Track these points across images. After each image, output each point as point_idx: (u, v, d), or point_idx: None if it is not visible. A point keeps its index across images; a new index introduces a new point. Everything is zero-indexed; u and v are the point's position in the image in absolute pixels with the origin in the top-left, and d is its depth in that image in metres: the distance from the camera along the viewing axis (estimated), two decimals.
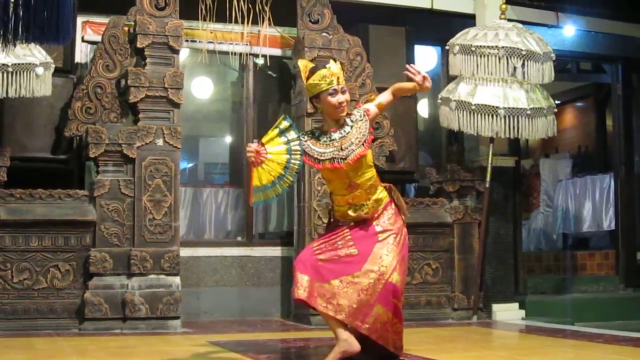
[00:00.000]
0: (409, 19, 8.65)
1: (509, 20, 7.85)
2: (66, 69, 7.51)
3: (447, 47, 7.79)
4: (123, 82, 7.12)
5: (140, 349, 5.68)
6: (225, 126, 10.79)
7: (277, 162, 4.62)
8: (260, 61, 8.22)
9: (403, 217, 4.88)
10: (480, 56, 7.44)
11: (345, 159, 4.62)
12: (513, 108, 7.46)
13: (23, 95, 6.69)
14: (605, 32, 9.40)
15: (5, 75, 6.58)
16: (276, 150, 4.64)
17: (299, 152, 4.66)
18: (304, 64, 4.81)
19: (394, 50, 8.49)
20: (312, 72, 4.69)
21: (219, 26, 7.87)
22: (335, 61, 4.84)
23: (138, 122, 7.06)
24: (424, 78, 4.71)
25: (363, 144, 4.66)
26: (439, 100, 7.78)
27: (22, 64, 6.62)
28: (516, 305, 8.10)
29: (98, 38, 7.44)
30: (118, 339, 6.27)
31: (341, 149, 4.64)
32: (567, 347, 5.95)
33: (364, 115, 4.75)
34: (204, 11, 7.70)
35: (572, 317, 8.24)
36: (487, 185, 7.78)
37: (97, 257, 6.78)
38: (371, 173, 4.76)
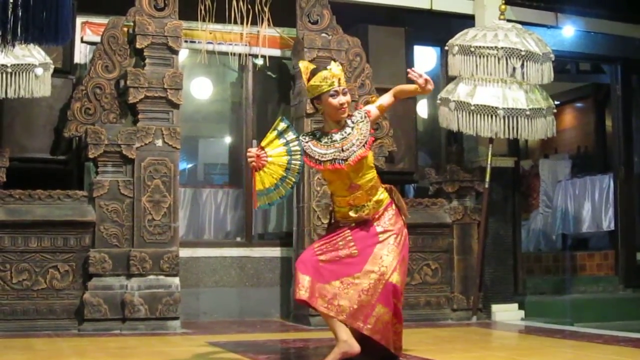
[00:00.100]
0: (408, 19, 8.65)
1: (508, 20, 7.86)
2: (65, 69, 7.51)
3: (446, 48, 7.79)
4: (122, 82, 7.12)
5: (139, 349, 5.68)
6: (225, 127, 10.78)
7: (278, 165, 4.65)
8: (259, 62, 8.22)
9: (403, 218, 4.88)
10: (480, 57, 7.44)
11: (347, 160, 4.63)
12: (512, 109, 7.47)
13: (22, 96, 6.69)
14: (604, 33, 9.40)
15: (4, 75, 6.58)
16: (276, 153, 4.66)
17: (298, 153, 4.68)
18: (304, 65, 4.82)
19: (393, 51, 8.50)
20: (313, 73, 4.70)
21: (218, 27, 7.87)
22: (336, 62, 4.85)
23: (137, 123, 7.06)
24: (426, 81, 4.71)
25: (364, 145, 4.67)
26: (438, 101, 7.78)
27: (22, 64, 6.62)
28: (515, 305, 8.11)
29: (97, 39, 7.45)
30: (117, 339, 6.26)
31: (342, 150, 4.64)
32: (567, 348, 5.95)
33: (365, 117, 4.76)
34: (203, 12, 7.70)
35: (572, 317, 8.24)
36: (487, 185, 7.78)
37: (97, 257, 6.78)
38: (372, 174, 4.77)
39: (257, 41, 7.99)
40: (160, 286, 6.88)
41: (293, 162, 4.66)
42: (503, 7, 7.88)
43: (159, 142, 7.04)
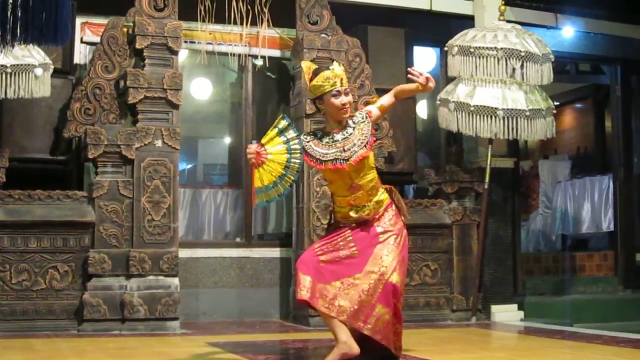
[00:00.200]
0: (408, 20, 8.65)
1: (508, 21, 7.86)
2: (65, 70, 7.51)
3: (446, 49, 7.79)
4: (122, 83, 7.12)
5: (139, 350, 5.68)
6: (224, 127, 10.79)
7: (278, 162, 4.66)
8: (259, 62, 8.22)
9: (403, 218, 4.88)
10: (479, 57, 7.45)
11: (348, 160, 4.63)
12: (512, 109, 7.47)
13: (22, 96, 6.69)
14: (604, 34, 9.41)
15: (4, 76, 6.59)
16: (276, 150, 4.67)
17: (298, 151, 4.69)
18: (307, 66, 4.83)
19: (393, 52, 8.51)
20: (316, 73, 4.71)
21: (218, 27, 7.87)
22: (338, 63, 4.86)
23: (137, 123, 7.06)
24: (427, 79, 4.71)
25: (365, 146, 4.67)
26: (438, 102, 7.78)
27: (21, 65, 6.63)
28: (515, 306, 8.11)
29: (97, 39, 7.45)
30: (117, 340, 6.26)
31: (344, 150, 4.65)
32: (566, 349, 5.95)
33: (366, 117, 4.77)
34: (202, 12, 7.70)
35: (571, 318, 8.25)
36: (486, 186, 7.78)
37: (96, 258, 6.78)
38: (373, 174, 4.77)
39: (257, 42, 7.99)
40: (160, 287, 6.87)
41: (293, 160, 4.67)
42: (503, 7, 7.88)
43: (159, 143, 7.04)
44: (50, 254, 6.78)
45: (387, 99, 4.89)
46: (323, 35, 7.70)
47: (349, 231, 4.74)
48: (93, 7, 7.78)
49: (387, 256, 4.65)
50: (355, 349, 4.53)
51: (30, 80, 6.68)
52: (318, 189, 7.42)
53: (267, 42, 8.00)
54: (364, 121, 4.75)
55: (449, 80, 8.00)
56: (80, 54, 7.96)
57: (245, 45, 8.01)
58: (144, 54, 7.12)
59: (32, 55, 6.69)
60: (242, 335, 6.63)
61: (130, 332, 6.70)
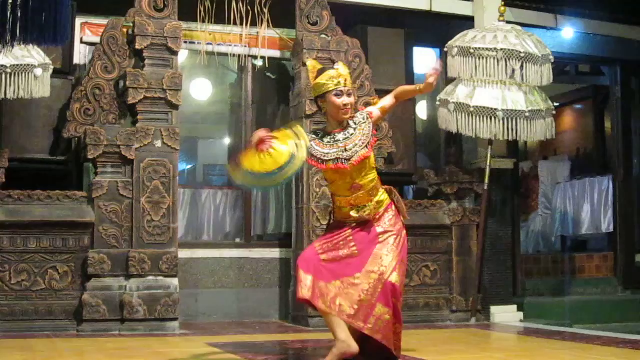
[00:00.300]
0: (408, 21, 8.65)
1: (508, 22, 7.86)
2: (65, 70, 7.52)
3: (445, 49, 7.79)
4: (122, 83, 7.12)
5: (138, 350, 5.67)
6: (224, 128, 10.79)
7: (275, 160, 4.50)
8: (259, 63, 8.22)
9: (403, 219, 4.89)
10: (479, 58, 7.45)
11: (349, 160, 4.64)
12: (512, 110, 7.46)
13: (22, 97, 6.70)
14: (603, 35, 9.41)
15: (3, 76, 6.59)
16: (279, 149, 4.53)
17: (299, 162, 4.55)
18: (313, 64, 4.84)
19: (392, 52, 8.51)
20: (320, 72, 4.72)
21: (218, 28, 7.87)
22: (344, 64, 4.86)
23: (136, 124, 7.06)
24: (436, 72, 4.72)
25: (367, 146, 4.68)
26: (438, 102, 7.78)
27: (21, 65, 6.63)
28: (514, 307, 8.11)
29: (97, 39, 7.45)
30: (116, 340, 6.26)
31: (345, 149, 4.65)
32: (566, 349, 5.95)
33: (367, 118, 4.77)
34: (202, 13, 7.71)
35: (571, 319, 8.25)
36: (486, 187, 7.78)
37: (96, 258, 6.78)
38: (373, 175, 4.78)
39: (257, 42, 8.00)
40: (159, 287, 6.87)
41: (289, 166, 4.52)
42: (502, 8, 7.88)
43: (158, 143, 7.04)
44: (49, 254, 6.78)
45: (388, 101, 4.89)
46: (323, 35, 7.70)
47: (349, 231, 4.74)
48: (93, 7, 7.78)
49: (386, 256, 4.65)
50: (354, 347, 4.52)
51: (30, 80, 6.68)
52: (318, 190, 7.42)
53: (267, 42, 8.00)
54: (365, 122, 4.76)
55: (449, 81, 8.00)
56: (80, 55, 7.96)
57: (245, 46, 8.02)
58: (144, 54, 7.12)
59: (32, 55, 6.69)
60: (242, 335, 6.63)
61: (129, 332, 6.70)
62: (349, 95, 4.69)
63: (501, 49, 7.41)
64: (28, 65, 6.66)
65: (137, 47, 7.10)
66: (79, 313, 6.72)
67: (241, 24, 7.84)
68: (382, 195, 4.82)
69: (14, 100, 6.82)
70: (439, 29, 8.68)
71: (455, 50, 7.55)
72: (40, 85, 6.75)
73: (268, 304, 7.93)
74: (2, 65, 6.54)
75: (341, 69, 4.73)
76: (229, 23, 7.80)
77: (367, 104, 7.29)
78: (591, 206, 10.65)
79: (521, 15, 8.65)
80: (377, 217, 4.76)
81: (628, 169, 9.75)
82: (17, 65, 6.61)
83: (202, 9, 7.69)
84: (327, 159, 4.68)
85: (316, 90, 4.74)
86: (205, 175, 12.99)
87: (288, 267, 7.85)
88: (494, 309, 7.97)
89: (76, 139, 7.20)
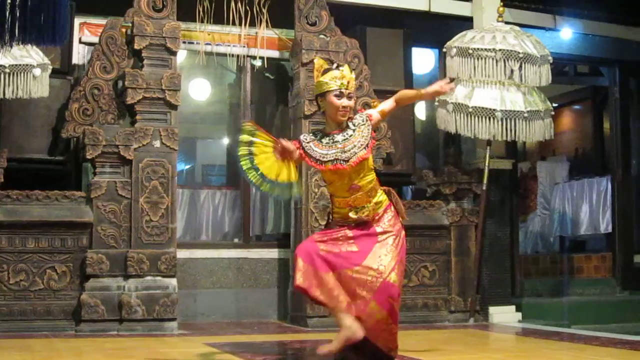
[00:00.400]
0: (407, 21, 8.65)
1: (507, 23, 7.86)
2: (63, 70, 7.52)
3: (444, 50, 7.79)
4: (120, 83, 7.12)
5: (136, 350, 5.67)
6: (223, 128, 10.79)
7: (292, 174, 4.73)
8: (257, 63, 8.22)
9: (401, 219, 4.89)
10: (478, 59, 7.45)
11: (348, 161, 4.64)
12: (510, 111, 7.47)
13: (20, 97, 6.70)
14: (602, 35, 9.42)
15: (2, 76, 6.59)
16: (293, 169, 4.76)
17: (287, 194, 4.83)
18: (319, 63, 4.86)
19: (391, 53, 8.51)
20: (326, 71, 4.73)
21: (217, 28, 7.87)
22: (349, 67, 4.88)
23: (135, 124, 7.06)
24: (446, 85, 4.82)
25: (365, 147, 4.68)
26: (436, 103, 7.78)
27: (20, 65, 6.63)
28: (513, 307, 8.11)
29: (95, 39, 7.45)
30: (114, 340, 6.26)
31: (344, 151, 4.66)
32: (564, 350, 5.96)
33: (367, 120, 4.77)
34: (201, 13, 7.71)
35: (569, 319, 8.25)
36: (484, 187, 7.78)
37: (94, 258, 6.78)
38: (372, 176, 4.78)
39: (256, 42, 8.00)
40: (158, 287, 6.87)
41: (287, 187, 4.80)
42: (501, 9, 7.88)
43: (157, 143, 7.04)
44: (48, 254, 6.78)
45: (388, 104, 4.89)
46: (322, 36, 7.70)
47: (349, 230, 4.75)
48: (91, 7, 7.78)
49: (385, 256, 4.65)
50: (359, 332, 4.52)
51: (29, 80, 6.69)
52: (316, 190, 7.42)
53: (266, 42, 8.00)
54: (364, 124, 4.76)
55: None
56: (79, 55, 7.96)
57: (244, 46, 8.01)
58: (143, 54, 7.12)
59: (31, 55, 6.69)
60: (240, 336, 6.63)
61: (128, 332, 6.70)
62: (349, 98, 4.69)
63: (500, 50, 7.41)
64: (27, 65, 6.66)
65: (136, 47, 7.10)
66: (77, 313, 6.72)
67: (240, 24, 7.84)
68: (381, 196, 4.82)
69: (12, 100, 6.83)
70: (438, 30, 8.68)
71: (454, 50, 7.56)
72: (38, 85, 6.75)
73: (266, 304, 7.93)
74: (0, 65, 6.55)
75: (346, 71, 4.74)
76: (228, 23, 7.80)
77: (366, 104, 7.30)
78: (590, 207, 10.66)
79: (520, 15, 8.65)
80: (376, 218, 4.76)
81: (626, 169, 9.77)
82: (16, 65, 6.61)
83: (200, 9, 7.69)
84: (326, 159, 4.68)
85: (318, 88, 4.76)
86: (203, 176, 12.99)
87: (286, 268, 7.85)
88: (492, 310, 7.97)
89: (75, 139, 7.20)
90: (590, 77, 11.47)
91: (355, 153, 4.65)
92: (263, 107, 8.74)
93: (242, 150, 4.85)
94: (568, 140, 13.23)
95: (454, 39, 7.69)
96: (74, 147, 7.41)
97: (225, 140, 10.62)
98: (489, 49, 7.42)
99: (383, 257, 4.65)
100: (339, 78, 4.69)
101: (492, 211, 8.10)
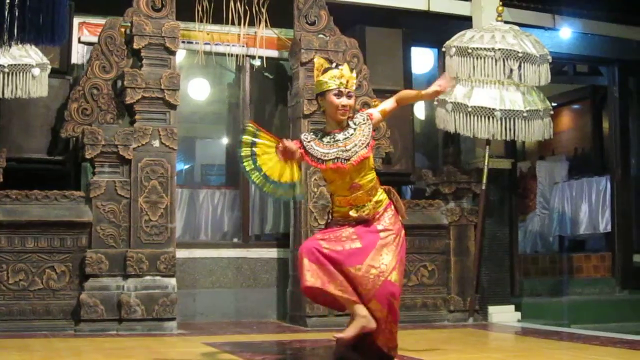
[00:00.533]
0: (406, 21, 8.65)
1: (506, 22, 7.86)
2: (62, 70, 7.52)
3: (443, 49, 7.78)
4: (119, 83, 7.12)
5: (136, 350, 5.67)
6: (222, 127, 10.78)
7: (294, 175, 4.74)
8: (256, 63, 8.22)
9: (401, 218, 4.90)
10: (477, 58, 7.44)
11: (349, 159, 4.66)
12: (509, 110, 7.46)
13: (19, 96, 6.70)
14: (601, 35, 9.42)
15: (1, 76, 6.59)
16: (296, 169, 4.78)
17: (289, 195, 4.89)
18: (319, 62, 4.87)
19: (390, 52, 8.52)
20: (325, 71, 4.74)
21: (216, 27, 7.87)
22: (349, 66, 4.89)
23: (134, 123, 7.06)
24: (439, 90, 4.85)
25: (366, 147, 4.70)
26: (435, 102, 7.77)
27: (19, 64, 6.63)
28: (512, 307, 8.11)
29: (94, 39, 7.44)
30: (114, 340, 6.26)
31: (345, 149, 4.68)
32: (563, 349, 5.96)
33: (367, 119, 4.79)
34: (200, 12, 7.70)
35: (568, 319, 8.26)
36: (484, 187, 7.78)
37: (93, 258, 6.77)
38: (372, 175, 4.80)
39: (255, 42, 7.99)
40: (157, 287, 6.87)
41: (288, 188, 4.84)
42: (500, 8, 7.88)
43: (156, 143, 7.04)
44: (47, 254, 6.77)
45: (388, 104, 4.91)
46: (321, 35, 7.70)
47: (351, 228, 4.75)
48: (90, 7, 7.77)
49: (387, 255, 4.67)
50: (373, 324, 4.55)
51: (28, 80, 6.68)
52: (315, 190, 7.42)
53: (265, 42, 8.00)
54: (365, 123, 4.78)
55: None
56: (78, 54, 7.96)
57: (243, 46, 8.01)
58: (142, 54, 7.11)
59: (30, 55, 6.69)
60: (239, 335, 6.63)
61: (127, 332, 6.69)
62: (349, 96, 4.71)
63: (499, 49, 7.41)
64: (26, 64, 6.66)
65: (135, 46, 7.10)
66: (77, 313, 6.72)
67: (239, 24, 7.84)
68: (381, 195, 4.83)
69: (11, 100, 6.82)
70: (437, 29, 8.67)
71: (453, 50, 7.55)
72: (37, 84, 6.75)
73: (266, 303, 7.93)
74: (0, 65, 6.54)
75: (345, 70, 4.76)
76: (227, 23, 7.80)
77: (365, 104, 7.30)
78: (589, 206, 10.66)
79: (519, 15, 8.65)
80: (377, 216, 4.78)
81: (626, 169, 9.76)
82: (15, 64, 6.61)
83: (199, 9, 7.69)
84: (327, 158, 4.69)
85: (318, 87, 4.78)
86: (203, 175, 12.97)
87: (286, 267, 7.85)
88: (491, 309, 7.97)
89: (74, 138, 7.19)
90: (589, 77, 11.48)
91: (356, 152, 4.67)
92: (262, 107, 8.74)
93: (245, 151, 4.86)
94: (567, 139, 13.23)
95: (453, 38, 7.68)
96: (73, 146, 7.40)
97: (225, 140, 10.61)
98: (488, 49, 7.42)
99: (384, 256, 4.66)
100: (338, 77, 4.70)
101: (491, 211, 8.10)
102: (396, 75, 8.41)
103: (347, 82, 4.71)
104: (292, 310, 7.58)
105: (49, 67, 6.90)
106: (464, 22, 8.32)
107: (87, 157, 6.93)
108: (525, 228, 11.72)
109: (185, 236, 8.74)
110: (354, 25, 8.39)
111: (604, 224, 10.26)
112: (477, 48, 7.44)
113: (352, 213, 4.75)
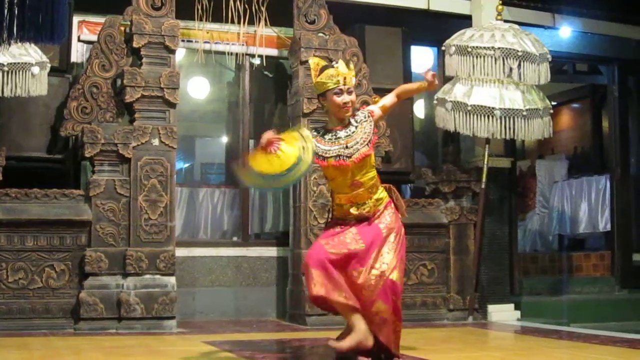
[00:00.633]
0: (406, 19, 8.65)
1: (505, 21, 7.86)
2: (62, 68, 7.51)
3: (443, 48, 7.79)
4: (119, 81, 7.12)
5: (135, 349, 5.67)
6: (222, 126, 10.76)
7: (283, 161, 4.51)
8: (256, 61, 8.22)
9: (401, 216, 4.91)
10: (477, 57, 7.45)
11: (350, 157, 4.67)
12: (509, 109, 7.47)
13: (19, 95, 6.69)
14: (601, 34, 9.42)
15: (1, 74, 6.58)
16: (287, 151, 4.54)
17: (307, 164, 4.53)
18: (315, 62, 4.86)
19: (390, 51, 8.51)
20: (322, 70, 4.74)
21: (215, 26, 7.86)
22: (344, 62, 4.88)
23: (134, 122, 7.06)
24: (433, 75, 4.78)
25: (368, 144, 4.71)
26: (435, 101, 7.78)
27: (18, 63, 6.62)
28: (512, 306, 8.11)
29: (94, 38, 7.44)
30: (113, 338, 6.26)
31: (346, 147, 4.69)
32: (563, 348, 5.96)
33: (368, 117, 4.81)
34: (200, 11, 7.70)
35: (568, 318, 8.25)
36: (483, 186, 7.78)
37: (93, 256, 6.77)
38: (373, 173, 4.82)
39: (254, 41, 7.99)
40: (157, 285, 6.87)
41: (296, 169, 4.52)
42: (500, 7, 7.88)
43: (156, 142, 7.04)
44: (46, 252, 6.77)
45: (389, 99, 4.92)
46: (320, 34, 7.70)
47: (354, 228, 4.75)
48: (90, 5, 7.77)
49: (388, 254, 4.69)
50: (370, 341, 4.57)
51: (27, 78, 6.68)
52: (315, 188, 7.42)
53: (265, 41, 8.00)
54: (367, 120, 4.79)
55: (447, 80, 8.00)
56: (78, 53, 7.95)
57: (243, 44, 8.01)
58: (141, 52, 7.11)
59: (29, 53, 6.69)
60: (239, 334, 6.63)
61: (126, 330, 6.69)
62: (349, 93, 4.72)
63: (499, 48, 7.41)
64: (25, 63, 6.66)
65: (135, 45, 7.09)
66: (76, 311, 6.72)
67: (239, 23, 7.84)
68: (382, 193, 4.85)
69: (11, 99, 6.82)
70: (437, 28, 8.67)
71: (453, 49, 7.56)
72: (37, 83, 6.74)
73: (265, 302, 7.93)
74: None
75: (340, 67, 4.76)
76: (227, 21, 7.80)
77: (365, 103, 7.30)
78: (588, 205, 10.66)
79: (519, 14, 8.65)
80: (377, 214, 4.79)
81: (625, 167, 9.76)
82: (15, 63, 6.60)
83: (199, 8, 7.69)
84: (329, 155, 4.71)
85: (317, 88, 4.80)
86: (202, 174, 12.94)
87: (285, 266, 7.85)
88: (491, 308, 7.97)
89: (73, 137, 7.19)
90: (589, 76, 11.47)
91: (358, 149, 4.68)
92: (262, 105, 8.73)
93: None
94: (567, 138, 13.23)
95: (453, 37, 7.69)
96: (73, 145, 7.40)
97: (224, 139, 10.59)
98: (488, 47, 7.42)
99: (385, 255, 4.68)
100: (334, 76, 4.71)
101: (491, 209, 8.10)
102: (396, 74, 8.40)
103: (345, 78, 4.71)
104: (291, 308, 7.58)
105: (49, 65, 6.89)
106: (464, 20, 8.32)
107: (87, 155, 6.92)
108: (525, 227, 11.73)
109: (184, 235, 8.72)
110: (354, 24, 8.39)
111: (604, 223, 10.27)
112: (476, 47, 7.45)
113: (353, 210, 4.76)
